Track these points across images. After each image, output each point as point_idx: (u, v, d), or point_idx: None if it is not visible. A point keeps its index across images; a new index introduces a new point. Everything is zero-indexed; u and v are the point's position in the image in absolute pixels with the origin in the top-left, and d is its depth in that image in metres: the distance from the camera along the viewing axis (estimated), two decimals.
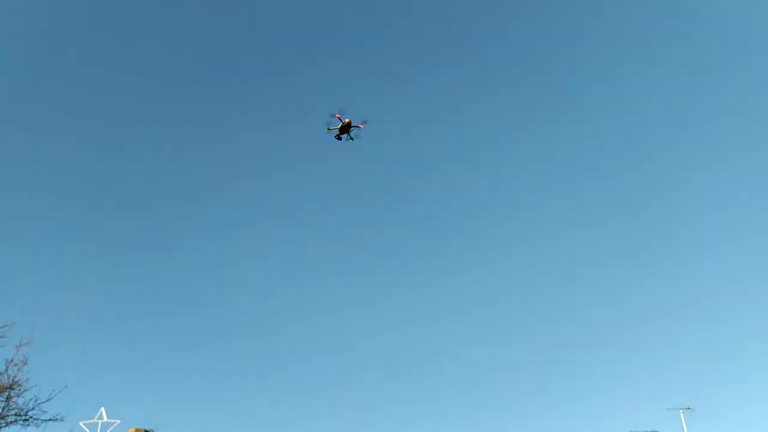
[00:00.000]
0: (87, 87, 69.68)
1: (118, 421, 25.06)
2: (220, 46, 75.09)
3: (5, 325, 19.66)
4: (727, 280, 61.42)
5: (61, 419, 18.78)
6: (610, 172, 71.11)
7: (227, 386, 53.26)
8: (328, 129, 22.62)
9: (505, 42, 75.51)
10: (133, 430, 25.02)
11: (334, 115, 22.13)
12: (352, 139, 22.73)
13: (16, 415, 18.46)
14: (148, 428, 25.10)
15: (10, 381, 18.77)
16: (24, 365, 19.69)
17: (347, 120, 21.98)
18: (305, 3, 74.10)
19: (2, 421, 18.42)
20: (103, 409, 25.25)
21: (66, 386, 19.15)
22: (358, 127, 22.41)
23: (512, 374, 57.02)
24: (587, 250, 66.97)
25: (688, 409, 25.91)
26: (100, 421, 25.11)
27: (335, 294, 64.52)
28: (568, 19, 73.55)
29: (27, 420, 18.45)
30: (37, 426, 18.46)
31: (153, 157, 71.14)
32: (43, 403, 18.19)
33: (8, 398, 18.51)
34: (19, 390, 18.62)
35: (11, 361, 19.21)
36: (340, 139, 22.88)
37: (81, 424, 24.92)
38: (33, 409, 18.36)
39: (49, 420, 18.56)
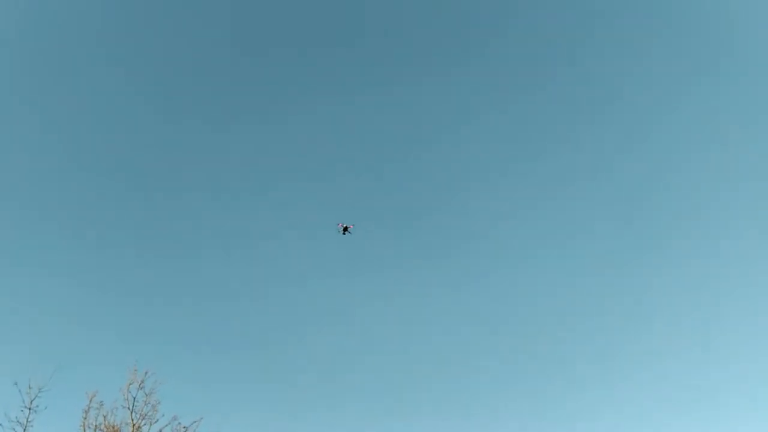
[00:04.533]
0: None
1: None
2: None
3: (195, 421, 22.81)
4: (727, 280, 61.60)
5: None
6: (609, 173, 70.56)
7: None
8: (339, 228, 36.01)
9: (501, 42, 75.32)
10: None
11: (338, 225, 35.80)
12: (350, 231, 35.87)
13: None
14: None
15: None
16: None
17: (345, 225, 35.66)
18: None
19: None
20: None
21: None
22: (350, 228, 35.55)
23: (511, 374, 58.34)
24: (586, 251, 67.30)
25: None
26: None
27: (331, 295, 65.26)
28: (566, 16, 73.68)
29: None
30: None
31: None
32: None
33: None
34: None
35: None
36: (344, 232, 35.81)
37: None
38: None
39: None
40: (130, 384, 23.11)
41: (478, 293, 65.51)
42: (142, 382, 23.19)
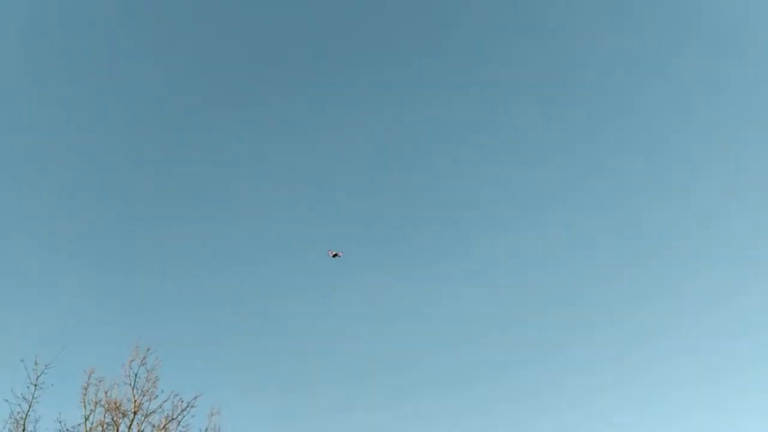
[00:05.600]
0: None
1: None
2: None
3: (196, 396, 22.56)
4: (725, 278, 60.21)
5: None
6: (610, 173, 70.57)
7: None
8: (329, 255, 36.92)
9: (502, 40, 75.69)
10: None
11: (328, 252, 36.57)
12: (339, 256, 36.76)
13: None
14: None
15: None
16: None
17: (334, 252, 36.45)
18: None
19: None
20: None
21: None
22: (340, 254, 36.35)
23: (510, 373, 57.52)
24: (587, 250, 66.77)
25: None
26: None
27: (332, 291, 65.46)
28: (567, 17, 73.45)
29: None
30: None
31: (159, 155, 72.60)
32: None
33: None
34: None
35: (206, 430, 22.21)
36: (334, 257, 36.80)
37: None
38: None
39: None
40: (131, 360, 23.04)
41: (477, 294, 65.54)
42: (144, 358, 23.06)
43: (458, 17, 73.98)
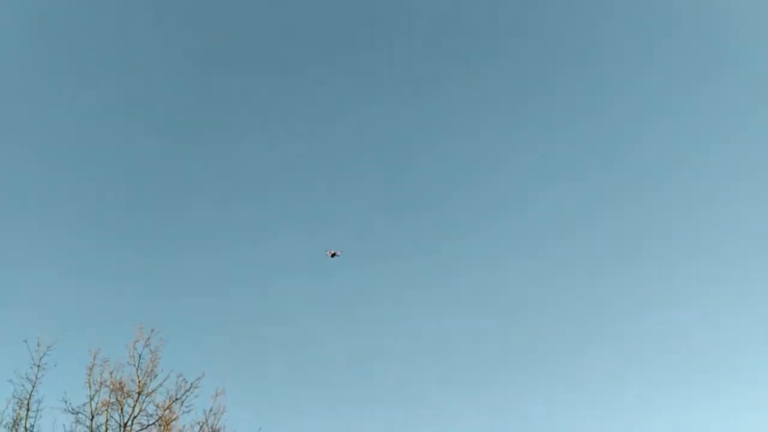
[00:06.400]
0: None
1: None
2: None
3: (199, 377, 22.60)
4: (724, 279, 61.11)
5: None
6: (606, 171, 71.21)
7: None
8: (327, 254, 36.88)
9: (495, 39, 76.14)
10: None
11: (326, 252, 36.58)
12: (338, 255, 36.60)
13: None
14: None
15: (211, 430, 21.70)
16: (222, 414, 22.18)
17: (332, 252, 36.27)
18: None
19: None
20: None
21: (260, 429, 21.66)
22: (338, 253, 36.18)
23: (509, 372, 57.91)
24: (586, 250, 67.38)
25: None
26: None
27: (336, 288, 65.77)
28: (560, 15, 73.93)
29: None
30: None
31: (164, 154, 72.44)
32: None
33: None
34: None
35: (210, 410, 21.98)
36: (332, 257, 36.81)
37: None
38: None
39: None
40: (136, 341, 23.14)
41: (478, 285, 65.79)
42: (148, 339, 23.17)
43: (456, 16, 74.10)
